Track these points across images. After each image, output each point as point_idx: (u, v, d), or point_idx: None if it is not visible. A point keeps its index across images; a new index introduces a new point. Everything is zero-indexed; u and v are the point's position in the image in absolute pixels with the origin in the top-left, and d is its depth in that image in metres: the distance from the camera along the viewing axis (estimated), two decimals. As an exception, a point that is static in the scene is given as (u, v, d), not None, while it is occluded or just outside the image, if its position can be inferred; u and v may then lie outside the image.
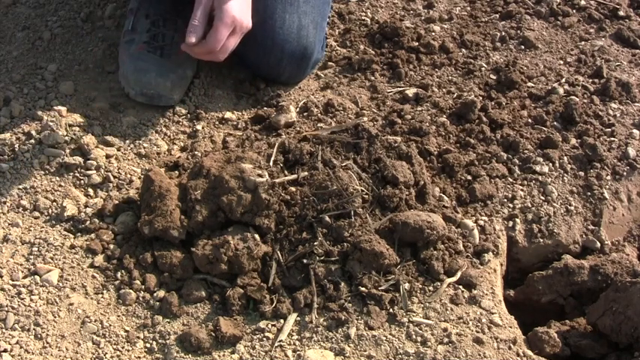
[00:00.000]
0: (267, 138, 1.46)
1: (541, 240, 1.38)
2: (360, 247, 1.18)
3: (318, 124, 1.50)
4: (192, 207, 1.22)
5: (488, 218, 1.37)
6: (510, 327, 1.19)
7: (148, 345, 1.14)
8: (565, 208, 1.42)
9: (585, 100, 1.61)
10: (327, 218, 1.22)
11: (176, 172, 1.39)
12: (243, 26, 1.38)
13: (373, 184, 1.28)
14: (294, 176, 1.27)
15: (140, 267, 1.22)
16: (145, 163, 1.43)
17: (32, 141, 1.40)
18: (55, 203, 1.33)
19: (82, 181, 1.37)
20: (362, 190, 1.25)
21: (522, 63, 1.71)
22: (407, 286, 1.20)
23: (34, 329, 1.13)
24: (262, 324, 1.16)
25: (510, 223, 1.38)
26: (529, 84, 1.66)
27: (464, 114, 1.54)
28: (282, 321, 1.16)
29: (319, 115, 1.53)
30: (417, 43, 1.74)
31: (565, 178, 1.46)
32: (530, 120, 1.56)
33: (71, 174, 1.37)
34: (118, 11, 1.76)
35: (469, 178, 1.42)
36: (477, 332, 1.16)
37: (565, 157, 1.49)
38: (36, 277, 1.20)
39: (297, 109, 1.56)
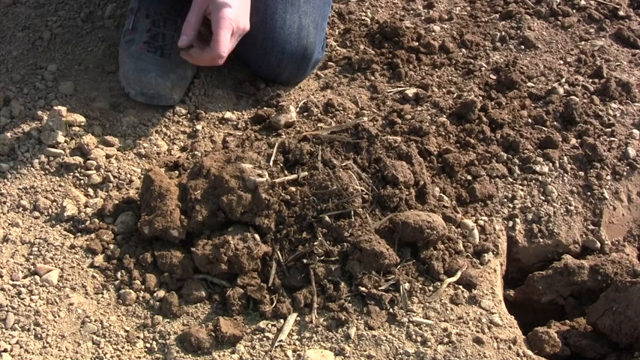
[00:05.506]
0: (267, 138, 1.46)
1: (541, 240, 1.38)
2: (360, 247, 1.18)
3: (318, 124, 1.50)
4: (192, 207, 1.22)
5: (488, 218, 1.37)
6: (510, 327, 1.19)
7: (148, 345, 1.14)
8: (565, 208, 1.42)
9: (585, 100, 1.61)
10: (327, 218, 1.22)
11: (176, 172, 1.38)
12: (240, 28, 1.38)
13: (373, 184, 1.28)
14: (294, 176, 1.27)
15: (140, 267, 1.22)
16: (145, 163, 1.43)
17: (32, 141, 1.41)
18: (55, 203, 1.33)
19: (82, 181, 1.37)
20: (362, 190, 1.25)
21: (522, 63, 1.72)
22: (407, 286, 1.20)
23: (34, 329, 1.13)
24: (262, 324, 1.16)
25: (510, 223, 1.38)
26: (529, 84, 1.66)
27: (464, 114, 1.54)
28: (282, 321, 1.16)
29: (319, 115, 1.53)
30: (417, 43, 1.74)
31: (565, 178, 1.46)
32: (530, 120, 1.56)
33: (71, 174, 1.37)
34: (118, 11, 1.76)
35: (469, 178, 1.43)
36: (477, 332, 1.16)
37: (565, 157, 1.49)
38: (36, 277, 1.20)
39: (297, 109, 1.56)
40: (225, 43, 1.33)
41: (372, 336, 1.14)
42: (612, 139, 1.53)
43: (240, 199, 1.20)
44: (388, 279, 1.20)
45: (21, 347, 1.11)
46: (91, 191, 1.36)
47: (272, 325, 1.16)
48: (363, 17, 1.84)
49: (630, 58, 1.76)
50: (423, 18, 1.86)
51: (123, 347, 1.13)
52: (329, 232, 1.22)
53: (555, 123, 1.56)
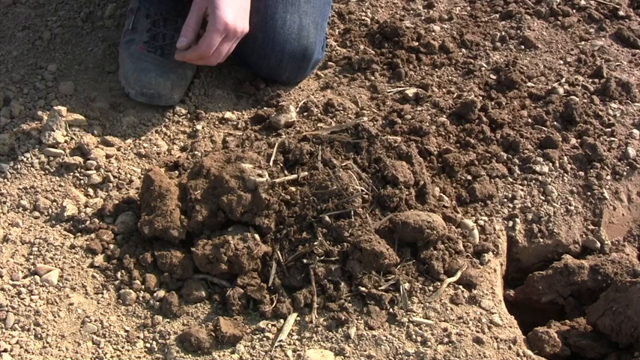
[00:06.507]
0: (267, 138, 1.46)
1: (541, 240, 1.38)
2: (360, 247, 1.18)
3: (318, 124, 1.50)
4: (192, 207, 1.22)
5: (488, 218, 1.37)
6: (510, 327, 1.19)
7: (148, 345, 1.14)
8: (565, 208, 1.42)
9: (585, 100, 1.61)
10: (327, 218, 1.22)
11: (176, 172, 1.39)
12: (238, 31, 1.38)
13: (373, 184, 1.28)
14: (294, 176, 1.27)
15: (140, 267, 1.22)
16: (145, 163, 1.43)
17: (32, 141, 1.40)
18: (55, 203, 1.33)
19: (82, 181, 1.37)
20: (362, 190, 1.25)
21: (522, 63, 1.72)
22: (407, 286, 1.20)
23: (34, 329, 1.13)
24: (262, 324, 1.16)
25: (510, 223, 1.38)
26: (529, 84, 1.66)
27: (464, 114, 1.54)
28: (282, 321, 1.16)
29: (319, 115, 1.53)
30: (417, 43, 1.74)
31: (565, 178, 1.46)
32: (530, 120, 1.56)
33: (71, 174, 1.37)
34: (118, 11, 1.77)
35: (469, 178, 1.43)
36: (477, 332, 1.16)
37: (565, 157, 1.49)
38: (36, 277, 1.20)
39: (297, 109, 1.56)
40: (212, 45, 1.34)
41: (372, 336, 1.14)
42: (612, 139, 1.53)
43: (240, 199, 1.20)
44: (388, 279, 1.20)
45: (21, 347, 1.11)
46: (91, 191, 1.36)
47: (272, 325, 1.16)
48: (363, 17, 1.84)
49: (630, 58, 1.76)
50: (423, 18, 1.86)
51: (123, 347, 1.13)
52: (329, 232, 1.22)
53: (555, 123, 1.56)
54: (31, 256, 1.23)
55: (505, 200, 1.41)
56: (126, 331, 1.15)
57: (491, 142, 1.50)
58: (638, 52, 1.79)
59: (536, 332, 1.21)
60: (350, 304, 1.17)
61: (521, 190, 1.43)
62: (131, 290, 1.19)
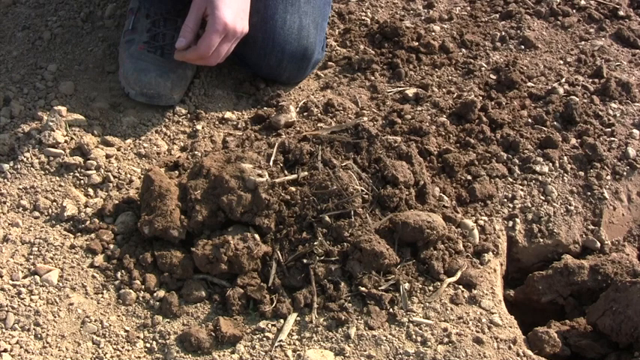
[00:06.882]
0: (267, 138, 1.46)
1: (541, 240, 1.38)
2: (360, 247, 1.18)
3: (318, 124, 1.50)
4: (192, 207, 1.22)
5: (488, 218, 1.37)
6: (510, 327, 1.19)
7: (148, 345, 1.14)
8: (565, 208, 1.42)
9: (585, 100, 1.61)
10: (327, 218, 1.22)
11: (176, 172, 1.38)
12: (237, 32, 1.38)
13: (373, 184, 1.28)
14: (294, 176, 1.27)
15: (140, 267, 1.22)
16: (145, 163, 1.43)
17: (32, 141, 1.41)
18: (55, 203, 1.33)
19: (82, 181, 1.37)
20: (362, 190, 1.25)
21: (522, 63, 1.72)
22: (407, 286, 1.20)
23: (34, 329, 1.13)
24: (262, 324, 1.16)
25: (510, 223, 1.38)
26: (529, 84, 1.66)
27: (464, 114, 1.54)
28: (282, 321, 1.16)
29: (319, 115, 1.53)
30: (417, 43, 1.74)
31: (565, 178, 1.46)
32: (530, 120, 1.56)
33: (71, 174, 1.37)
34: (118, 11, 1.77)
35: (469, 178, 1.43)
36: (477, 332, 1.16)
37: (565, 157, 1.49)
38: (36, 277, 1.20)
39: (297, 109, 1.56)
40: (211, 45, 1.34)
41: (372, 336, 1.14)
42: (612, 139, 1.53)
43: (240, 199, 1.20)
44: (388, 279, 1.20)
45: (21, 347, 1.11)
46: (91, 191, 1.36)
47: (272, 325, 1.16)
48: (363, 17, 1.84)
49: (630, 58, 1.76)
50: (423, 18, 1.86)
51: (123, 347, 1.13)
52: (329, 232, 1.22)
53: (555, 123, 1.56)
54: (31, 256, 1.23)
55: (505, 200, 1.41)
56: (126, 331, 1.15)
57: (491, 142, 1.50)
58: (638, 52, 1.79)
59: (536, 332, 1.21)
60: (350, 304, 1.17)
61: (521, 190, 1.43)
62: (131, 290, 1.19)
